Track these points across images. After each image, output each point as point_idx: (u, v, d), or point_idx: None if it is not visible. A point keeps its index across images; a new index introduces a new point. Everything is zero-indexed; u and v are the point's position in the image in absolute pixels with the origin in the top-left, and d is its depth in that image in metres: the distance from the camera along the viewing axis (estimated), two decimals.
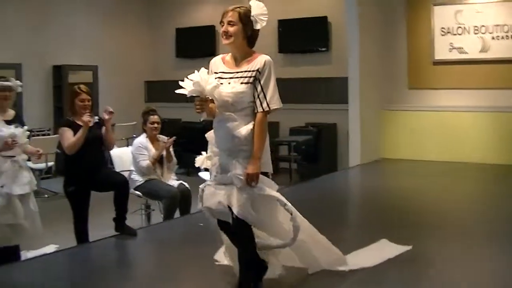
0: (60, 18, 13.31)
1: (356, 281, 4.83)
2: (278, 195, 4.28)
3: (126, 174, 7.24)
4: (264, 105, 4.17)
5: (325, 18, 12.76)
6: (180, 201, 7.25)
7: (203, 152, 4.57)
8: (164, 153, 7.42)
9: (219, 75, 4.27)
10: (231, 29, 4.21)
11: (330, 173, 10.99)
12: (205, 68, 4.26)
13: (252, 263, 4.36)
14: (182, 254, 5.86)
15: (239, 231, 4.24)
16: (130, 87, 15.11)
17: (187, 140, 11.99)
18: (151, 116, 7.50)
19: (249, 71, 4.19)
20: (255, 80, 4.18)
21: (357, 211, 8.21)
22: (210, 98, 4.18)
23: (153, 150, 7.37)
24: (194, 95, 4.13)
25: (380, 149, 11.31)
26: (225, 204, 4.18)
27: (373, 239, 5.80)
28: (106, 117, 6.31)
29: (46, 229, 6.32)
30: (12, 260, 5.81)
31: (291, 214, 4.27)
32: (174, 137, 7.51)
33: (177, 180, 7.57)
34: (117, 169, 7.46)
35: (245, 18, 4.23)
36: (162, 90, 15.18)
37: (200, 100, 4.15)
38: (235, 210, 4.11)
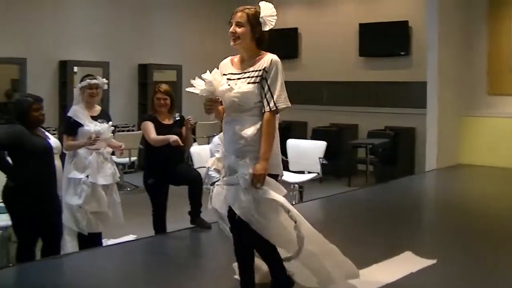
0: (148, 19, 13.79)
1: None
2: (283, 200, 4.11)
3: (204, 170, 7.54)
4: (271, 104, 4.07)
5: (406, 22, 12.81)
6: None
7: (216, 154, 4.63)
8: None
9: (227, 76, 4.21)
10: (239, 30, 4.15)
11: (406, 177, 11.03)
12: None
13: (271, 255, 4.26)
14: None
15: (244, 233, 4.13)
16: None
17: None
18: None
19: (256, 70, 4.13)
20: (262, 79, 4.10)
21: (429, 214, 8.24)
22: (220, 99, 4.14)
23: None
24: (205, 94, 4.10)
25: (457, 155, 11.27)
26: (227, 205, 4.14)
27: (444, 243, 5.84)
28: (188, 126, 6.65)
29: (126, 220, 6.66)
30: (95, 245, 6.22)
31: (295, 222, 4.10)
32: None
33: None
34: (196, 166, 7.76)
35: (254, 20, 4.16)
36: None
37: (210, 100, 4.11)
38: (237, 211, 4.03)
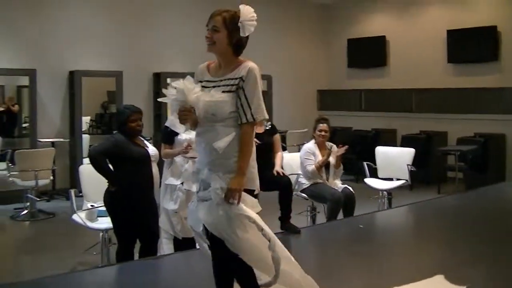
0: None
1: None
2: (256, 217, 3.79)
3: (294, 177, 7.77)
4: (249, 115, 3.80)
5: (494, 27, 12.70)
6: (344, 204, 7.57)
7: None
8: (332, 160, 7.82)
9: (203, 83, 3.93)
10: (214, 35, 3.84)
11: (496, 184, 10.91)
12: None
13: (247, 278, 3.90)
14: (341, 254, 6.28)
15: (218, 251, 3.87)
16: (303, 96, 15.70)
17: (358, 147, 12.45)
18: (320, 124, 7.88)
19: (232, 78, 3.84)
20: (238, 88, 3.81)
21: None
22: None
23: (319, 156, 7.76)
24: (176, 103, 3.83)
25: None
26: (201, 221, 3.88)
27: None
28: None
29: None
30: (190, 248, 6.52)
31: (269, 241, 3.77)
32: (346, 146, 7.78)
33: (342, 184, 7.90)
34: (287, 173, 7.99)
35: (231, 24, 3.83)
36: (334, 99, 15.74)
37: (185, 109, 3.80)
38: (209, 228, 3.80)
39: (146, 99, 12.52)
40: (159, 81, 12.72)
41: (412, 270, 5.16)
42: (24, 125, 12.17)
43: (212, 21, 3.85)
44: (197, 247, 6.63)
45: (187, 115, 3.81)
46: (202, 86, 3.90)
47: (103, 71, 12.14)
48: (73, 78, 11.71)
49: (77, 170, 11.17)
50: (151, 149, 5.94)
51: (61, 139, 11.64)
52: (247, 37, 3.89)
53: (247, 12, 3.86)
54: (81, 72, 11.72)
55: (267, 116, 3.90)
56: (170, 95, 3.84)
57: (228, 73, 3.86)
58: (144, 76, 12.87)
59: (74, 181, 11.44)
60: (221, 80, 3.86)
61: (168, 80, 12.60)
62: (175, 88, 3.82)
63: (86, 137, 12.09)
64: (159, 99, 4.07)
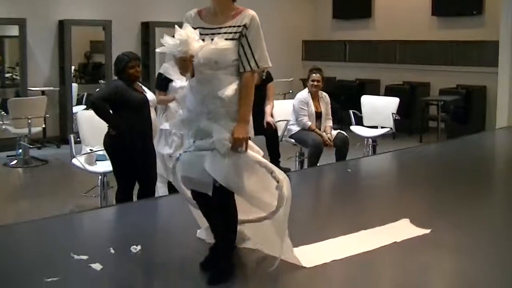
0: None
1: None
2: (264, 161, 3.88)
3: (283, 123, 8.07)
4: (252, 63, 3.77)
5: None
6: (338, 148, 7.93)
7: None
8: (324, 109, 8.12)
9: (197, 31, 3.76)
10: None
11: (475, 134, 11.22)
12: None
13: (230, 237, 3.99)
14: (327, 196, 6.56)
15: (222, 200, 3.83)
16: (289, 46, 15.79)
17: (343, 97, 12.70)
18: (313, 75, 8.08)
19: (234, 26, 3.77)
20: (241, 36, 3.76)
21: (495, 170, 8.46)
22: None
23: (312, 106, 8.02)
24: (180, 54, 3.69)
25: None
26: (209, 172, 3.71)
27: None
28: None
29: None
30: None
31: (278, 182, 3.80)
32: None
33: (335, 130, 8.19)
34: (276, 119, 8.23)
35: None
36: (319, 49, 15.89)
37: (186, 59, 3.69)
38: (219, 178, 3.69)
39: (135, 48, 12.55)
40: (147, 31, 12.78)
41: (386, 213, 5.34)
42: (7, 75, 12.30)
43: None
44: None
45: (189, 64, 3.70)
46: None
47: (93, 20, 12.21)
48: (63, 27, 11.75)
49: (68, 117, 11.51)
50: (150, 95, 6.13)
51: (51, 88, 11.73)
52: None
53: None
54: (70, 21, 11.76)
55: (270, 64, 3.87)
56: (171, 45, 3.71)
57: (228, 20, 3.79)
58: (132, 25, 12.89)
59: (65, 128, 11.66)
60: (221, 28, 3.78)
61: (157, 29, 12.68)
62: (178, 38, 3.68)
63: (75, 86, 12.22)
64: (157, 50, 3.85)
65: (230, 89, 3.72)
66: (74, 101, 12.11)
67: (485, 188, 6.78)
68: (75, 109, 11.68)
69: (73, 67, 12.23)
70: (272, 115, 7.79)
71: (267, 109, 7.53)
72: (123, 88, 5.83)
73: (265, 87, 7.26)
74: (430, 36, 13.66)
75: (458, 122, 12.25)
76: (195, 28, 3.76)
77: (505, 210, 5.85)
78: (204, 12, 3.90)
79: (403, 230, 4.79)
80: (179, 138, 6.61)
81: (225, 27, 3.79)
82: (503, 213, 5.71)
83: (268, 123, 7.42)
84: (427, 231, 4.74)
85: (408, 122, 12.35)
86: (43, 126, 10.38)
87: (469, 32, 13.06)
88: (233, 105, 3.75)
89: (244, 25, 3.76)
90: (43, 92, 11.36)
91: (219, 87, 3.72)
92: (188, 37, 3.68)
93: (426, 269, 4.13)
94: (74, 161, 6.64)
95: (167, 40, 3.73)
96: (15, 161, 10.03)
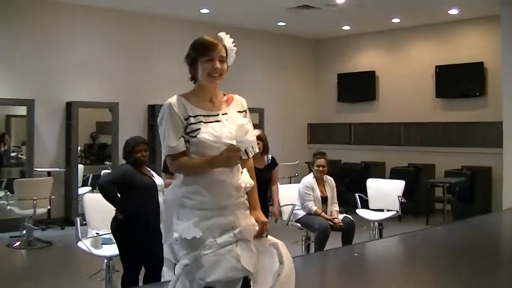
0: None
1: None
2: (280, 242, 3.68)
3: (289, 208, 8.08)
4: (256, 148, 3.74)
5: (481, 63, 13.12)
6: (345, 232, 7.93)
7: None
8: (329, 193, 8.15)
9: (198, 119, 3.50)
10: (223, 66, 3.57)
11: (482, 215, 11.11)
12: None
13: None
14: (335, 281, 6.50)
15: None
16: (294, 129, 15.99)
17: (348, 180, 12.72)
18: (318, 160, 8.17)
19: (240, 111, 3.63)
20: None
21: (504, 254, 8.40)
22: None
23: (318, 191, 8.07)
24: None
25: None
26: (241, 267, 3.43)
27: None
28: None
29: None
30: None
31: (280, 263, 3.60)
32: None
33: (341, 214, 8.22)
34: (282, 203, 8.23)
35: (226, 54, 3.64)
36: (324, 132, 16.03)
37: (237, 150, 3.46)
38: (251, 269, 3.47)
39: (141, 131, 12.66)
40: (154, 113, 12.88)
41: None
42: (12, 154, 12.36)
43: (219, 52, 3.54)
44: None
45: (238, 155, 3.49)
46: (198, 122, 3.50)
47: (100, 102, 12.38)
48: (70, 109, 11.88)
49: (73, 199, 11.49)
50: (158, 179, 6.15)
51: (57, 169, 11.77)
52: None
53: (228, 39, 3.65)
54: (78, 103, 11.90)
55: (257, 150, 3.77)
56: (250, 140, 3.57)
57: (227, 106, 3.63)
58: (139, 108, 13.05)
59: (70, 210, 11.63)
60: (224, 114, 3.55)
61: None
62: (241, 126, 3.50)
63: (80, 167, 12.26)
64: (228, 141, 3.43)
65: (246, 177, 3.60)
66: (80, 182, 12.12)
67: (491, 271, 6.70)
68: (81, 190, 11.69)
69: (79, 148, 12.29)
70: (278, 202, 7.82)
71: (273, 197, 7.56)
72: (131, 172, 5.87)
73: (270, 172, 7.28)
74: (434, 118, 13.79)
75: (463, 203, 12.20)
76: (193, 117, 3.50)
77: None
78: (191, 99, 3.58)
79: None
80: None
81: (226, 113, 3.57)
82: None
83: (273, 213, 7.48)
84: None
85: (414, 204, 12.30)
86: (48, 207, 10.33)
87: (472, 114, 13.22)
88: (244, 193, 3.60)
89: (245, 111, 3.68)
90: (49, 173, 11.38)
91: (238, 176, 3.56)
92: (247, 128, 3.55)
93: None
94: (80, 244, 6.59)
95: (236, 133, 3.48)
96: (18, 242, 9.94)
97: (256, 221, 3.58)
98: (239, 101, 3.68)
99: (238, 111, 3.62)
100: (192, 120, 3.49)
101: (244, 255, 3.46)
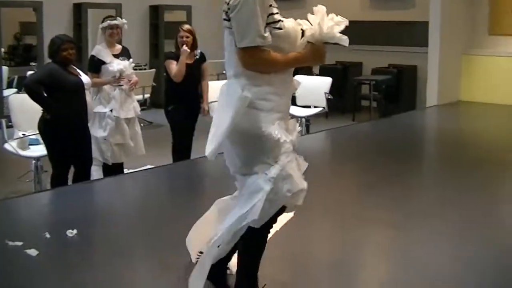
0: None
1: None
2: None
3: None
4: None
5: None
6: None
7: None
8: None
9: (277, 9, 3.22)
10: None
11: (407, 112, 11.46)
12: None
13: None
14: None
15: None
16: (221, 26, 15.79)
17: None
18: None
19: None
20: None
21: (426, 147, 8.67)
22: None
23: None
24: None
25: (458, 92, 11.68)
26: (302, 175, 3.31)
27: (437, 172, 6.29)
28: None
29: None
30: (119, 173, 6.80)
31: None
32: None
33: None
34: (210, 100, 8.25)
35: None
36: None
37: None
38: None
39: (67, 30, 12.29)
40: (80, 12, 12.56)
41: (319, 191, 5.36)
42: None
43: None
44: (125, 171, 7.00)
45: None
46: (277, 13, 3.18)
47: (23, 1, 11.99)
48: None
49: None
50: (84, 78, 6.09)
51: None
52: None
53: None
54: (0, 3, 11.49)
55: None
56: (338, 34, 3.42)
57: None
58: (65, 7, 12.62)
59: None
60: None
61: (89, 11, 12.48)
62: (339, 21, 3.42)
63: (5, 69, 11.97)
64: (342, 43, 3.42)
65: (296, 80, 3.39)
66: (5, 84, 11.86)
67: (412, 161, 7.01)
68: (6, 92, 11.45)
69: (2, 49, 11.96)
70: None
71: (204, 93, 7.50)
72: (57, 71, 5.79)
73: (199, 67, 7.23)
74: (363, 17, 13.81)
75: (389, 101, 12.45)
76: (276, 6, 3.18)
77: (435, 186, 6.04)
78: None
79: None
80: (113, 120, 6.63)
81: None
82: (433, 190, 5.90)
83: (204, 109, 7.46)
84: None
85: (341, 101, 12.52)
86: None
87: (400, 13, 13.26)
88: None
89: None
90: None
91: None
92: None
93: (361, 244, 4.28)
94: (6, 145, 6.56)
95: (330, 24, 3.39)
96: None
97: None
98: None
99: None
100: (274, 9, 3.13)
101: (301, 163, 3.34)
